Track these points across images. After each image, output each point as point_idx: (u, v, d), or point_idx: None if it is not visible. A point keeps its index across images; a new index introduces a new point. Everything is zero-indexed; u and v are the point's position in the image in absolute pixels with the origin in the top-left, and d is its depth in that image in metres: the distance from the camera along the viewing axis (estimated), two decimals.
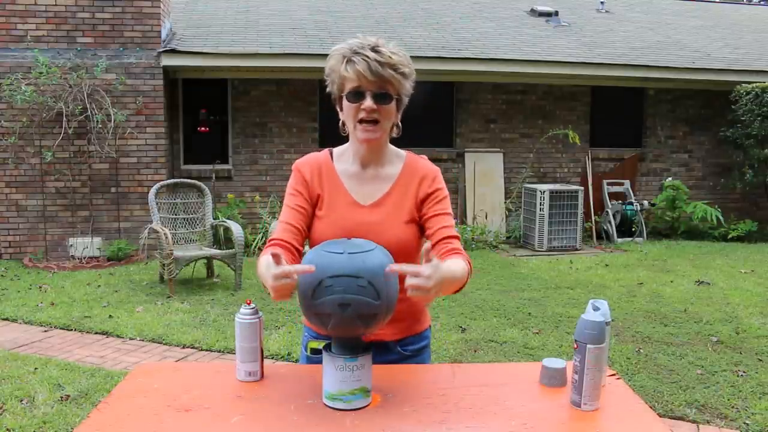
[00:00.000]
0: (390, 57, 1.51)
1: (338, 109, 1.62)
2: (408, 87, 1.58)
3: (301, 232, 1.62)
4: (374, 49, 1.51)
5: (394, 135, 1.64)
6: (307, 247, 1.57)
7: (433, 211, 1.62)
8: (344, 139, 1.68)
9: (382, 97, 1.53)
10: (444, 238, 1.58)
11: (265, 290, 1.38)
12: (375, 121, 1.54)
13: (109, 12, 7.22)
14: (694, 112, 9.45)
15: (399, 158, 1.68)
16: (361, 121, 1.54)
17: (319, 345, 1.62)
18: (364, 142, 1.57)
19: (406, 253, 1.58)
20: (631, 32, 10.48)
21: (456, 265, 1.48)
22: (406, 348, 1.67)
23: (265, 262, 1.40)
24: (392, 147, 1.68)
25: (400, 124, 1.63)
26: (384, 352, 1.61)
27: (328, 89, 1.62)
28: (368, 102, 1.52)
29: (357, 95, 1.53)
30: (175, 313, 5.10)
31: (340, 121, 1.62)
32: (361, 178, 1.64)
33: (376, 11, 10.38)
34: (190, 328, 4.70)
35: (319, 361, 1.40)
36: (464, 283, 1.50)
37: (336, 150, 1.70)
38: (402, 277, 1.50)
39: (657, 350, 4.23)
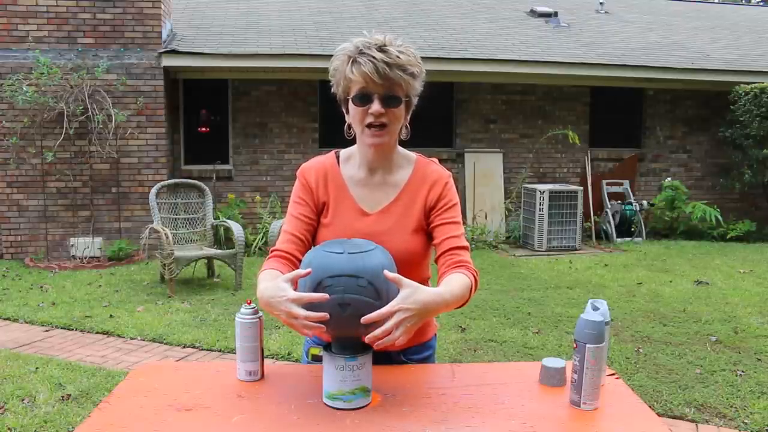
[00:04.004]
0: (398, 57, 1.43)
1: (344, 111, 1.55)
2: (417, 87, 1.51)
3: (304, 243, 1.57)
4: (381, 49, 1.43)
5: (403, 137, 1.58)
6: None
7: (440, 220, 1.55)
8: (346, 140, 1.63)
9: (390, 100, 1.46)
10: (450, 249, 1.52)
11: (272, 314, 1.34)
12: (383, 125, 1.48)
13: (110, 13, 7.23)
14: (693, 112, 9.46)
15: (408, 162, 1.61)
16: (368, 126, 1.48)
17: (320, 351, 1.61)
18: (372, 146, 1.51)
19: (412, 263, 1.54)
20: (630, 33, 10.49)
21: (455, 282, 1.42)
22: (411, 357, 1.63)
23: (267, 292, 1.34)
24: (402, 150, 1.61)
25: (408, 125, 1.56)
26: (388, 362, 1.57)
27: (332, 90, 1.55)
28: (376, 106, 1.45)
29: (364, 98, 1.46)
30: (176, 312, 5.11)
31: (346, 124, 1.55)
32: (368, 185, 1.58)
33: (376, 12, 10.39)
34: (190, 327, 4.71)
35: None
36: (466, 300, 1.44)
37: (343, 153, 1.63)
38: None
39: (656, 350, 4.24)
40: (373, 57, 1.42)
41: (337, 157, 1.63)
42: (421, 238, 1.57)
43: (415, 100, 1.54)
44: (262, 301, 1.35)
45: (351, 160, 1.61)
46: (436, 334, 1.72)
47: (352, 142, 1.63)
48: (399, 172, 1.60)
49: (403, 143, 1.61)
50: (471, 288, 1.46)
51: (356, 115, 1.49)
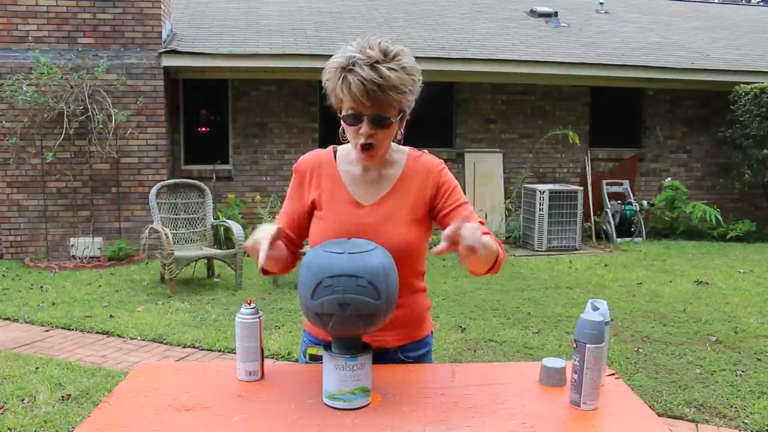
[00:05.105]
0: (389, 77, 1.38)
1: (338, 115, 1.55)
2: (412, 99, 1.49)
3: (291, 240, 1.63)
4: (373, 66, 1.38)
5: (396, 141, 1.59)
6: (307, 248, 1.55)
7: (449, 206, 1.56)
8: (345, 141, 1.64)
9: (380, 121, 1.44)
10: None
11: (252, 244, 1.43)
12: (372, 145, 1.47)
13: (110, 13, 7.23)
14: (693, 112, 9.46)
15: (401, 155, 1.62)
16: (360, 144, 1.48)
17: (317, 351, 1.61)
18: (364, 161, 1.55)
19: (409, 254, 1.54)
20: (630, 33, 10.49)
21: (486, 238, 1.42)
22: (408, 355, 1.63)
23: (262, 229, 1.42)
24: (394, 145, 1.62)
25: (402, 131, 1.57)
26: (385, 359, 1.57)
27: (327, 95, 1.55)
28: (365, 128, 1.44)
29: (353, 118, 1.45)
30: (176, 312, 5.11)
31: (340, 128, 1.55)
32: (363, 180, 1.60)
33: (376, 12, 10.39)
34: (190, 327, 4.71)
35: None
36: (498, 259, 1.46)
37: (340, 149, 1.64)
38: (404, 278, 1.49)
39: (656, 350, 4.24)
40: (363, 78, 1.37)
41: (335, 152, 1.65)
42: (418, 229, 1.57)
43: (410, 109, 1.53)
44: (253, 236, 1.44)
45: (348, 157, 1.63)
46: (432, 332, 1.73)
47: None
48: (393, 166, 1.61)
49: (403, 143, 1.63)
50: (499, 252, 1.47)
51: (348, 132, 1.50)
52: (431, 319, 1.73)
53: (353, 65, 1.39)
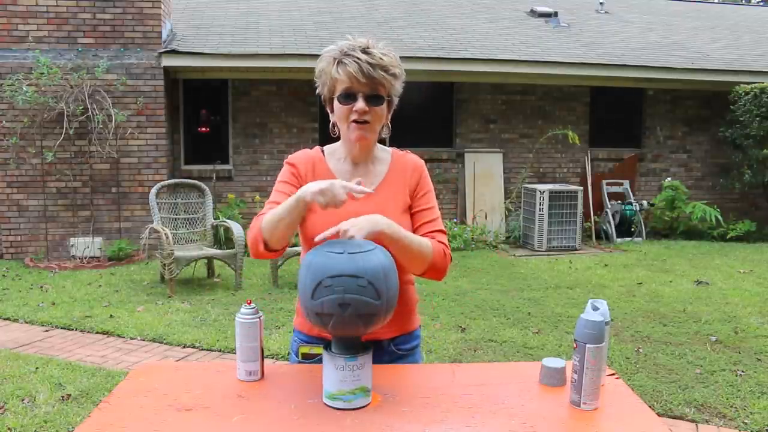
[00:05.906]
0: (381, 58, 1.53)
1: (328, 111, 1.64)
2: (398, 87, 1.61)
3: None
4: (365, 51, 1.53)
5: (384, 135, 1.67)
6: (301, 248, 1.56)
7: (418, 206, 1.67)
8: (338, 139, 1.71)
9: (373, 99, 1.56)
10: (427, 234, 1.63)
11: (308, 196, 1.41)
12: (367, 122, 1.57)
13: (110, 13, 7.23)
14: (693, 112, 9.46)
15: (385, 154, 1.72)
16: (353, 121, 1.57)
17: (310, 350, 1.63)
18: (357, 140, 1.60)
19: None
20: (630, 33, 10.49)
21: (415, 234, 1.56)
22: (400, 347, 1.67)
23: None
24: (378, 145, 1.72)
25: (390, 124, 1.66)
26: (378, 352, 1.59)
27: (318, 91, 1.64)
28: (360, 104, 1.55)
29: (348, 97, 1.55)
30: (176, 312, 5.11)
31: (331, 123, 1.66)
32: (353, 174, 1.66)
33: (376, 12, 10.39)
34: (190, 327, 4.71)
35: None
36: (430, 258, 1.55)
37: (327, 148, 1.73)
38: (401, 278, 1.51)
39: (656, 350, 4.24)
40: (358, 58, 1.51)
41: (322, 151, 1.73)
42: (407, 219, 1.65)
43: (396, 100, 1.64)
44: (276, 215, 1.45)
45: (335, 155, 1.71)
46: (420, 326, 1.78)
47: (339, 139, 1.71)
48: (379, 163, 1.70)
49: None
50: (433, 252, 1.55)
51: (341, 113, 1.58)
52: (418, 315, 1.79)
53: (348, 51, 1.53)
